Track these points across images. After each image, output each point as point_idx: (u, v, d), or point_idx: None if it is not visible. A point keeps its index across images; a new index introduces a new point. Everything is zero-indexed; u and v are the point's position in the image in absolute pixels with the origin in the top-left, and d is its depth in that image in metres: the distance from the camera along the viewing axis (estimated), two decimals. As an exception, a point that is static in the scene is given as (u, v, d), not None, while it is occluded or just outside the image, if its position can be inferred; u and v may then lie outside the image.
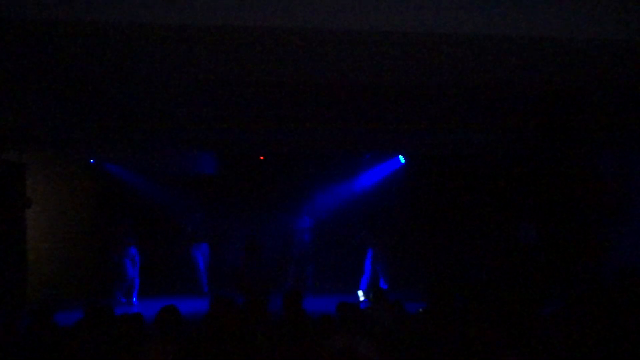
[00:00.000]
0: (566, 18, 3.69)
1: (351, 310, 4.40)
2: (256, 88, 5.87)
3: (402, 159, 10.64)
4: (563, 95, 6.28)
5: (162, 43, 3.97)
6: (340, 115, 7.24)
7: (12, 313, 6.82)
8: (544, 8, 3.67)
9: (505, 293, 4.83)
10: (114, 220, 9.49)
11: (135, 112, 6.93)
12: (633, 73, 4.83)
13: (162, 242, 10.18)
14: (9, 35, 3.78)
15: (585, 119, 6.95)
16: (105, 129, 7.07)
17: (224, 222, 10.61)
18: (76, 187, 9.63)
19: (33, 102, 5.87)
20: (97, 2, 3.42)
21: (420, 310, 4.98)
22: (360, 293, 9.00)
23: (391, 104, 6.60)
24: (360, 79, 5.16)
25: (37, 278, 8.35)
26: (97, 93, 6.11)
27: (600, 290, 4.82)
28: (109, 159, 9.86)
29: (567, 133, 7.63)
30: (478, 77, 5.03)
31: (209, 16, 3.49)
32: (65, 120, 6.44)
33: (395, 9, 3.57)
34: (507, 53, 4.20)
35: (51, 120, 6.34)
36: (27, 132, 6.75)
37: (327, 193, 10.85)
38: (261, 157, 10.87)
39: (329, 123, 7.57)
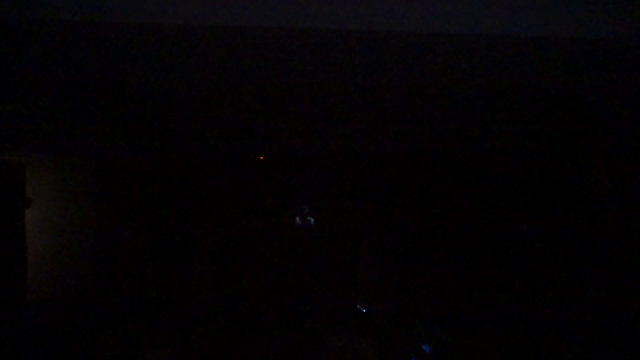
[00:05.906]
0: (566, 18, 3.69)
1: (351, 311, 4.40)
2: (256, 88, 5.86)
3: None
4: (563, 96, 6.27)
5: (162, 43, 3.97)
6: (340, 115, 7.23)
7: (12, 313, 6.81)
8: (544, 8, 3.66)
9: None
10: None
11: (135, 112, 6.92)
12: (633, 73, 4.82)
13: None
14: (9, 35, 3.77)
15: (585, 119, 6.93)
16: (104, 129, 7.07)
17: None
18: (76, 187, 9.62)
19: (33, 102, 5.86)
20: (97, 2, 3.42)
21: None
22: None
23: (391, 104, 6.60)
24: (360, 79, 5.15)
25: (37, 278, 8.34)
26: (97, 93, 6.11)
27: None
28: (109, 159, 9.85)
29: (567, 133, 7.61)
30: (478, 77, 5.02)
31: (209, 16, 3.49)
32: (65, 120, 6.44)
33: (395, 9, 3.57)
34: (507, 53, 4.19)
35: (51, 120, 6.34)
36: (27, 132, 6.74)
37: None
38: (261, 157, 10.84)
39: (329, 123, 7.56)
